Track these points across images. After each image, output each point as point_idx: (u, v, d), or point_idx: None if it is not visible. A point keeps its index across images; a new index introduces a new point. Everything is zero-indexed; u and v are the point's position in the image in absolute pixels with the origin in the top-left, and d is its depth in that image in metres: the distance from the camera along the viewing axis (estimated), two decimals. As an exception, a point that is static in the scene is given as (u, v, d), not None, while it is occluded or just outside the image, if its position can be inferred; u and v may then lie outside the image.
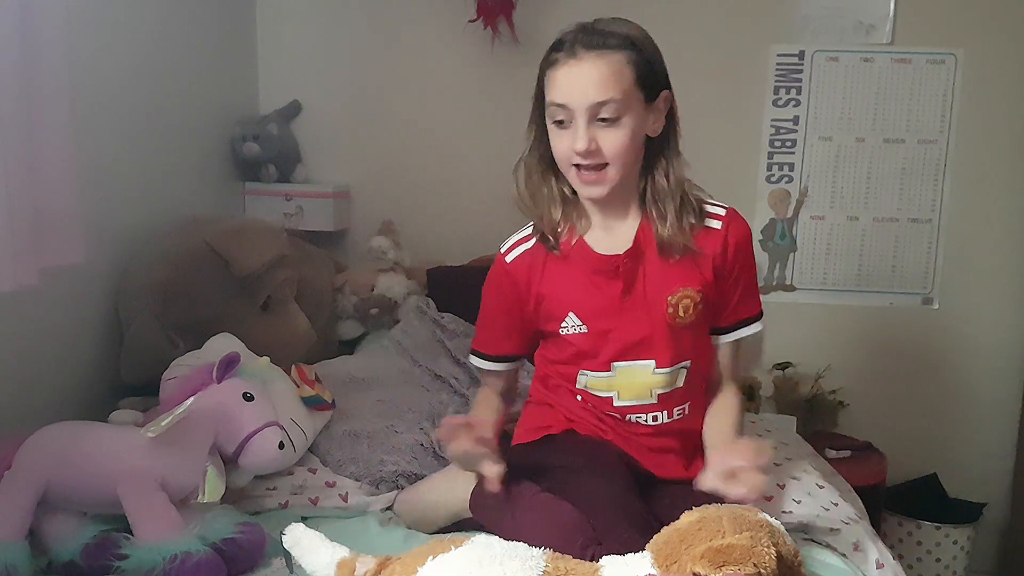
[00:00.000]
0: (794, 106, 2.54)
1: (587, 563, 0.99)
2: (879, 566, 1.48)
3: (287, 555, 1.17)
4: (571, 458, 1.42)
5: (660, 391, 1.45)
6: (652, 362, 1.43)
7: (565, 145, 1.37)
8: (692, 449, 1.51)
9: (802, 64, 2.52)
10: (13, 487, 1.29)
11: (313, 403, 1.72)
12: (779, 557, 0.89)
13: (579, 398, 1.51)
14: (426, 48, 2.57)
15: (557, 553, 1.00)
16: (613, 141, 1.35)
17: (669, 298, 1.42)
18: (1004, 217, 2.53)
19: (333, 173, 2.61)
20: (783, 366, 2.56)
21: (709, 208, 1.46)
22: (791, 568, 0.92)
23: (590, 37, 1.34)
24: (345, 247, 2.63)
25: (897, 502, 2.47)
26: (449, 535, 1.02)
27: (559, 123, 1.36)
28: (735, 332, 1.51)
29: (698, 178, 2.55)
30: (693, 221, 1.42)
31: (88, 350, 1.89)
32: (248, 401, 1.44)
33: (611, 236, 1.45)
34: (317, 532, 1.08)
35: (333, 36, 2.60)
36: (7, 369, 1.65)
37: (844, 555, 1.48)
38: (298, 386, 1.72)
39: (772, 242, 2.60)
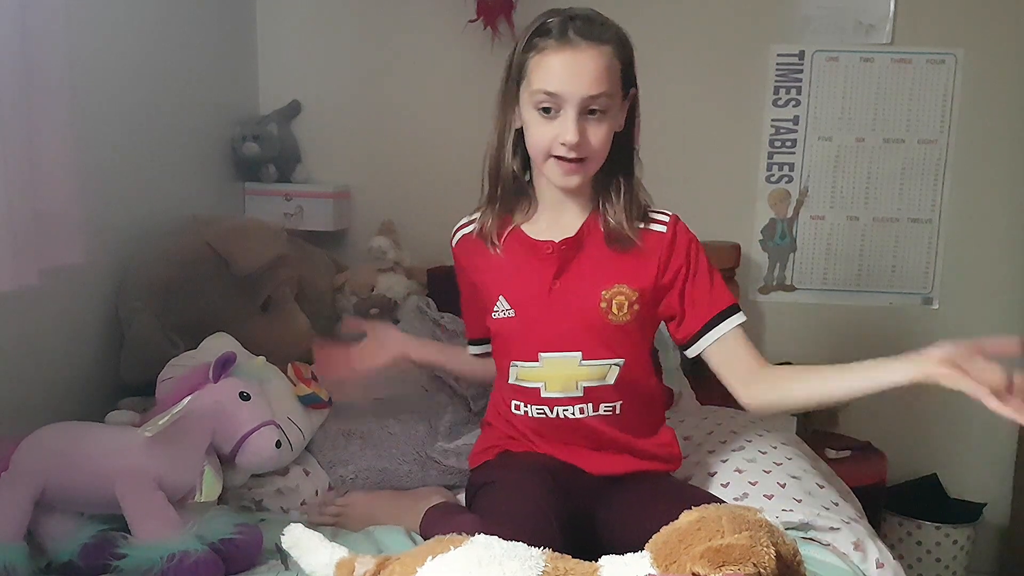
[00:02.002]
0: (794, 106, 2.54)
1: (586, 563, 0.99)
2: (879, 566, 1.48)
3: (284, 555, 1.17)
4: (497, 475, 1.42)
5: (586, 384, 1.42)
6: (579, 353, 1.41)
7: (549, 135, 1.33)
8: (636, 449, 1.49)
9: (802, 64, 2.52)
10: (11, 488, 1.30)
11: (310, 401, 1.72)
12: (778, 557, 0.89)
13: (514, 405, 1.48)
14: (426, 48, 2.57)
15: (556, 553, 0.99)
16: (598, 134, 1.33)
17: (603, 292, 1.40)
18: (1004, 217, 2.53)
19: (333, 173, 2.61)
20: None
21: (653, 215, 1.45)
22: (791, 568, 0.92)
23: (584, 26, 1.32)
24: (345, 247, 2.63)
25: (897, 502, 2.47)
26: (448, 535, 1.02)
27: (545, 111, 1.33)
28: (719, 327, 1.44)
29: (698, 178, 2.57)
30: (639, 221, 1.43)
31: (88, 350, 1.89)
32: (245, 400, 1.44)
33: (555, 225, 1.45)
34: (316, 532, 1.08)
35: (333, 36, 2.60)
36: (7, 369, 1.65)
37: (844, 555, 1.48)
38: (294, 384, 1.72)
39: (772, 242, 2.60)
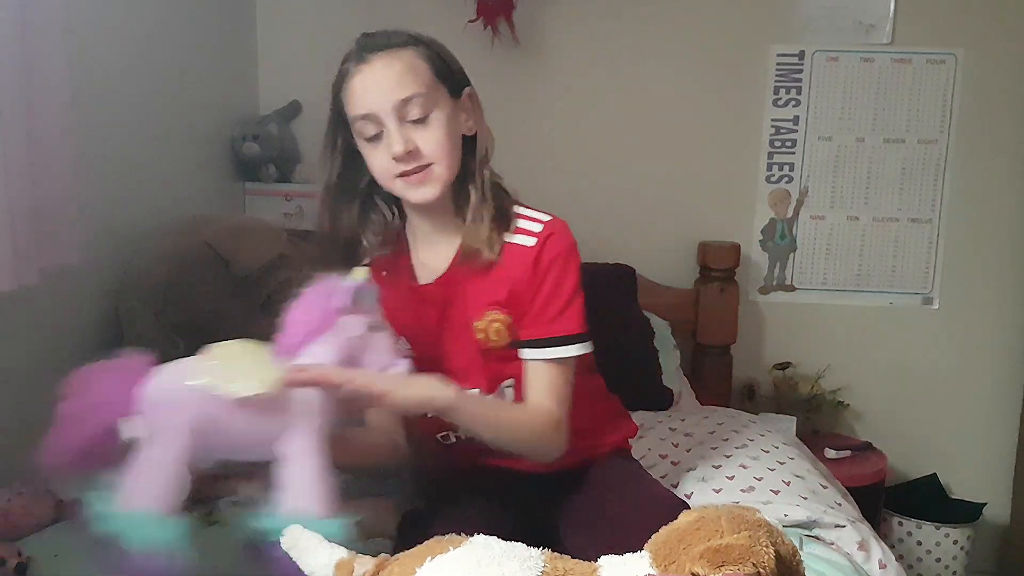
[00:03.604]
0: (794, 106, 2.54)
1: (585, 563, 0.99)
2: (882, 566, 1.49)
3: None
4: (441, 496, 1.38)
5: None
6: (477, 390, 1.33)
7: (382, 158, 1.27)
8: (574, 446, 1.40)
9: (802, 64, 2.52)
10: (154, 446, 1.08)
11: None
12: (778, 557, 0.89)
13: (440, 436, 1.39)
14: (426, 48, 2.57)
15: (555, 553, 0.99)
16: (430, 139, 1.27)
17: (476, 324, 1.31)
18: (1004, 217, 2.53)
19: (333, 173, 2.61)
20: (783, 366, 2.56)
21: (524, 224, 1.33)
22: (790, 568, 0.91)
23: (373, 40, 1.31)
24: (345, 247, 2.63)
25: (897, 502, 2.47)
26: (447, 536, 1.02)
27: (372, 139, 1.28)
28: (538, 350, 1.31)
29: (698, 178, 2.57)
30: (499, 233, 1.32)
31: (88, 350, 1.89)
32: (377, 332, 1.20)
33: (433, 256, 1.37)
34: (315, 533, 1.08)
35: (333, 36, 2.58)
36: (7, 369, 1.65)
37: (848, 554, 1.48)
38: None
39: (772, 242, 2.60)
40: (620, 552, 0.97)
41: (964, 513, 2.47)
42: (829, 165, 2.56)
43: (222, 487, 1.60)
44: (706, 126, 2.56)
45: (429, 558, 0.96)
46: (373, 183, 1.35)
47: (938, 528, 2.41)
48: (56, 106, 1.50)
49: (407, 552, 1.01)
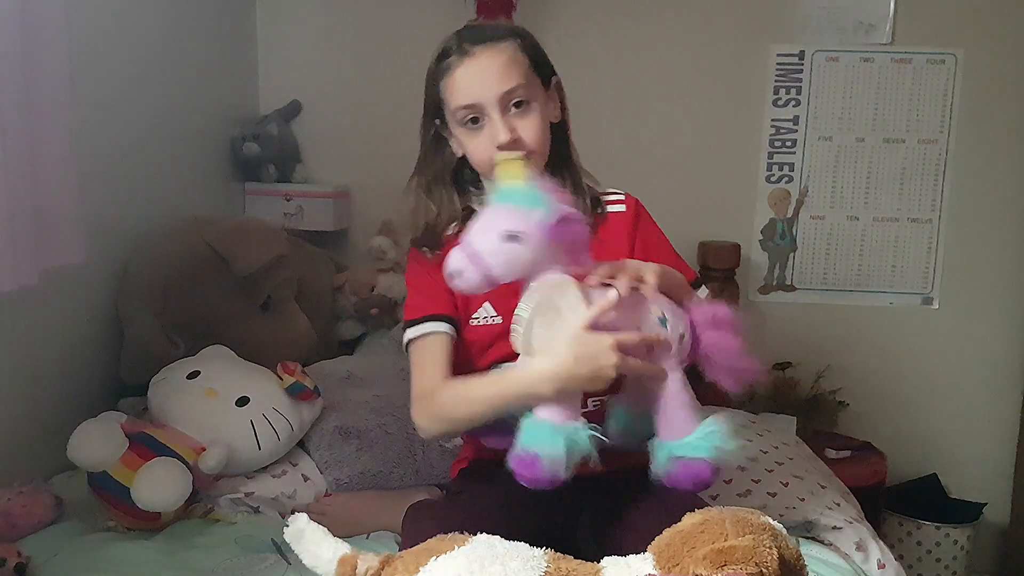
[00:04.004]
0: (794, 106, 2.54)
1: (588, 564, 0.99)
2: (881, 566, 1.49)
3: (281, 549, 1.15)
4: (464, 487, 1.40)
5: None
6: None
7: (485, 144, 1.32)
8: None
9: (802, 64, 2.52)
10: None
11: (296, 391, 1.71)
12: (781, 560, 0.89)
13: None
14: (426, 48, 2.54)
15: (558, 554, 0.99)
16: (530, 126, 1.32)
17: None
18: (1004, 217, 2.53)
19: (333, 173, 2.61)
20: (783, 366, 2.56)
21: (608, 197, 1.44)
22: (794, 572, 0.92)
23: (476, 33, 1.35)
24: (345, 247, 2.62)
25: (897, 502, 2.47)
26: (451, 535, 1.02)
27: (473, 122, 1.33)
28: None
29: (698, 178, 2.56)
30: (590, 211, 1.38)
31: (88, 350, 1.89)
32: None
33: None
34: (321, 526, 1.07)
35: (333, 36, 2.60)
36: (7, 369, 1.65)
37: (847, 555, 1.48)
38: (280, 378, 1.72)
39: (772, 242, 2.60)
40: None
41: (964, 513, 2.47)
42: (829, 165, 2.56)
43: (222, 486, 1.60)
44: (706, 126, 2.56)
45: (434, 557, 0.96)
46: (456, 170, 1.41)
47: (938, 528, 2.41)
48: (56, 106, 1.50)
49: (411, 550, 1.01)
